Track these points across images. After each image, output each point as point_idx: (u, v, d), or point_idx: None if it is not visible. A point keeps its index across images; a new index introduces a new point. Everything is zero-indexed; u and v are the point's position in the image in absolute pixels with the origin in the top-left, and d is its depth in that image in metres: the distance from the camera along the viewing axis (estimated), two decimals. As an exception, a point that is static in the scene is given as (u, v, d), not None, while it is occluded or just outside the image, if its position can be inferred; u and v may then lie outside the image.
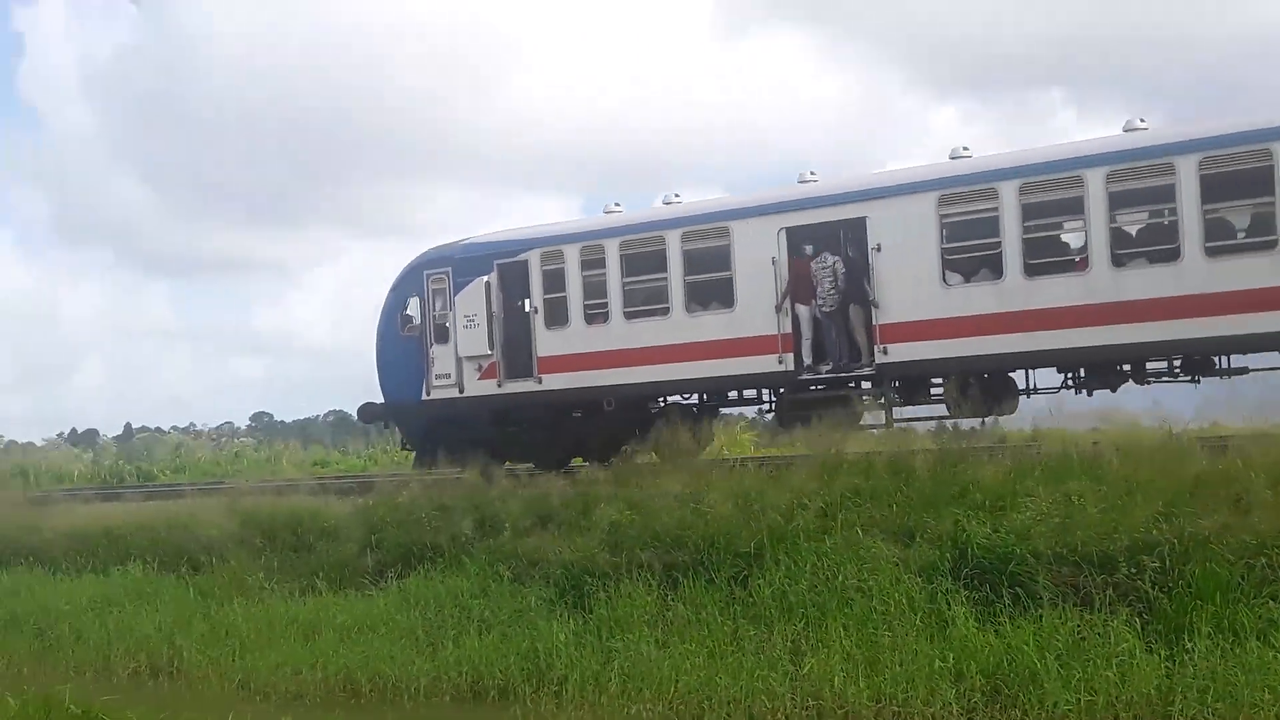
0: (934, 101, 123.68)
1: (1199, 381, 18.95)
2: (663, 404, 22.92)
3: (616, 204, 23.65)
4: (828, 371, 20.36)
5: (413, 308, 24.61)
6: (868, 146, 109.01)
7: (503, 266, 23.24)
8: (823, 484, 16.28)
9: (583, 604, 15.88)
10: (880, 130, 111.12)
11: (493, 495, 19.16)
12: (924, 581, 14.01)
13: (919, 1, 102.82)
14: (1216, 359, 18.62)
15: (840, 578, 14.37)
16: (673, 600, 15.27)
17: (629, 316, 21.82)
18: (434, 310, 23.95)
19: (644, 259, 21.80)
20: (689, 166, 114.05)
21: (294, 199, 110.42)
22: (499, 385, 23.10)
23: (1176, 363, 18.96)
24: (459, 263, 23.85)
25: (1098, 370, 19.17)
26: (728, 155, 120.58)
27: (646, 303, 21.79)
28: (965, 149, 19.92)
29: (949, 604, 13.58)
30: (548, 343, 22.57)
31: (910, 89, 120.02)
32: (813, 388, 20.76)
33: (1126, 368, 19.17)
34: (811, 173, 21.40)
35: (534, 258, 22.87)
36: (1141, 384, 19.15)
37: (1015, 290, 18.58)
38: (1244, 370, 18.58)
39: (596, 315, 22.18)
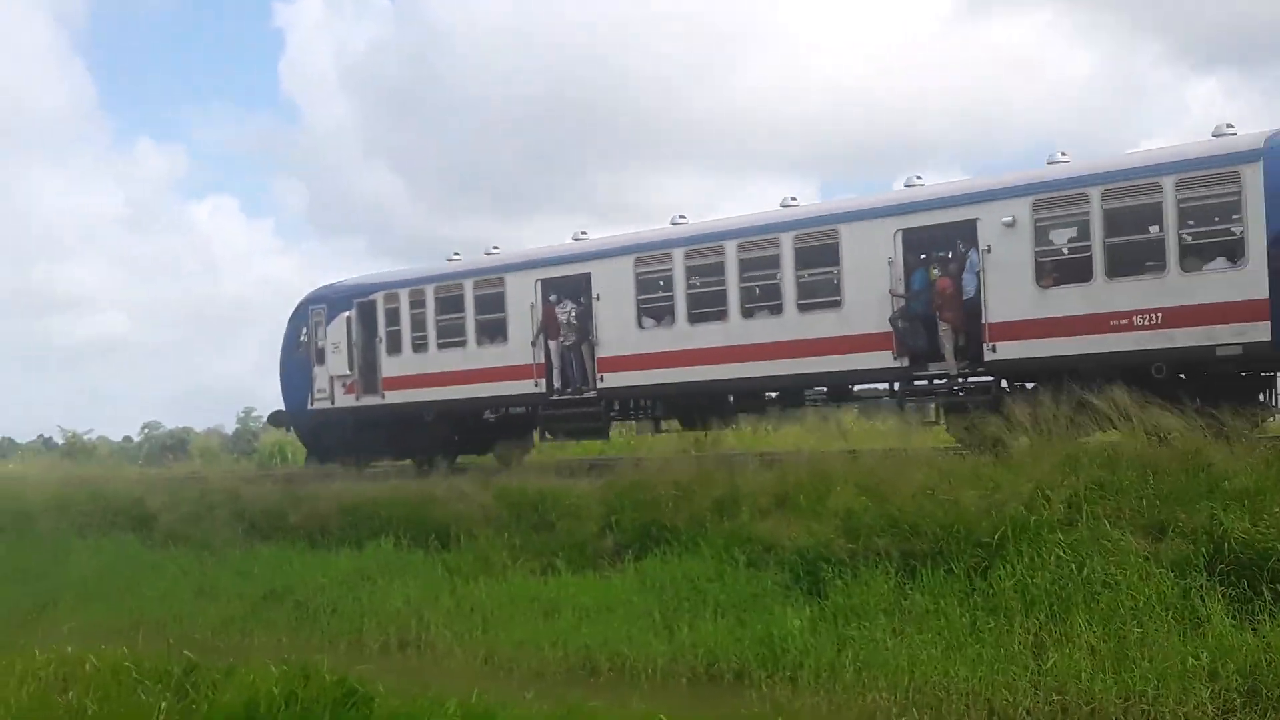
0: (1192, 75, 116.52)
1: (840, 405, 23.82)
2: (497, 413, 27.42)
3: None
4: (569, 393, 25.14)
5: (303, 336, 30.08)
6: (1120, 124, 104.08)
7: (360, 304, 28.75)
8: (1065, 475, 15.65)
9: (818, 590, 15.67)
10: (1133, 107, 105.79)
11: (731, 475, 19.02)
12: (1176, 576, 13.40)
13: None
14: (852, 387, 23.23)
15: (1086, 571, 13.85)
16: (910, 589, 14.94)
17: (440, 347, 27.23)
18: (315, 338, 29.61)
19: (450, 301, 27.18)
20: (929, 147, 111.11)
21: (534, 184, 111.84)
22: (357, 399, 28.62)
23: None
24: (331, 301, 29.58)
25: (744, 397, 24.00)
26: (970, 135, 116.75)
27: (451, 336, 27.09)
28: (682, 216, 24.90)
29: (1203, 600, 12.97)
30: (389, 366, 28.05)
31: (1166, 62, 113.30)
32: (574, 407, 25.24)
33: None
34: (584, 231, 26.75)
35: (379, 298, 28.52)
36: (795, 408, 24.06)
37: (683, 334, 23.41)
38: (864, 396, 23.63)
39: (420, 345, 27.56)
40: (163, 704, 10.79)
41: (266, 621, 19.35)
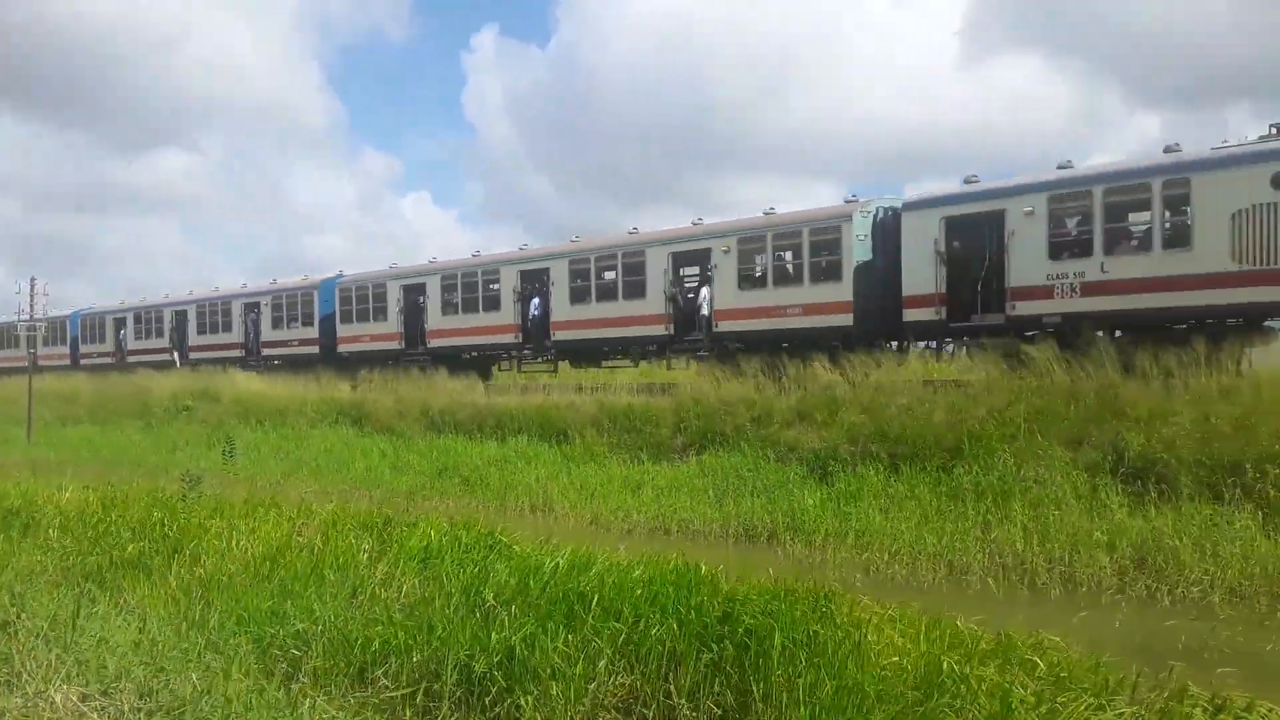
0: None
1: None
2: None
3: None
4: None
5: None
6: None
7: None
8: (1011, 401, 15.42)
9: (828, 480, 15.64)
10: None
11: (767, 396, 18.94)
12: (1089, 476, 13.27)
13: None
14: None
15: (1022, 470, 13.73)
16: (894, 481, 14.85)
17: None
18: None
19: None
20: (941, 161, 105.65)
21: (652, 185, 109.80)
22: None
23: None
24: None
25: None
26: (972, 151, 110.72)
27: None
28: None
29: (1108, 494, 12.79)
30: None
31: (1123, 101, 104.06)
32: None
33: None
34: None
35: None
36: None
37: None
38: None
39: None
40: (366, 544, 10.88)
41: (440, 490, 19.55)
